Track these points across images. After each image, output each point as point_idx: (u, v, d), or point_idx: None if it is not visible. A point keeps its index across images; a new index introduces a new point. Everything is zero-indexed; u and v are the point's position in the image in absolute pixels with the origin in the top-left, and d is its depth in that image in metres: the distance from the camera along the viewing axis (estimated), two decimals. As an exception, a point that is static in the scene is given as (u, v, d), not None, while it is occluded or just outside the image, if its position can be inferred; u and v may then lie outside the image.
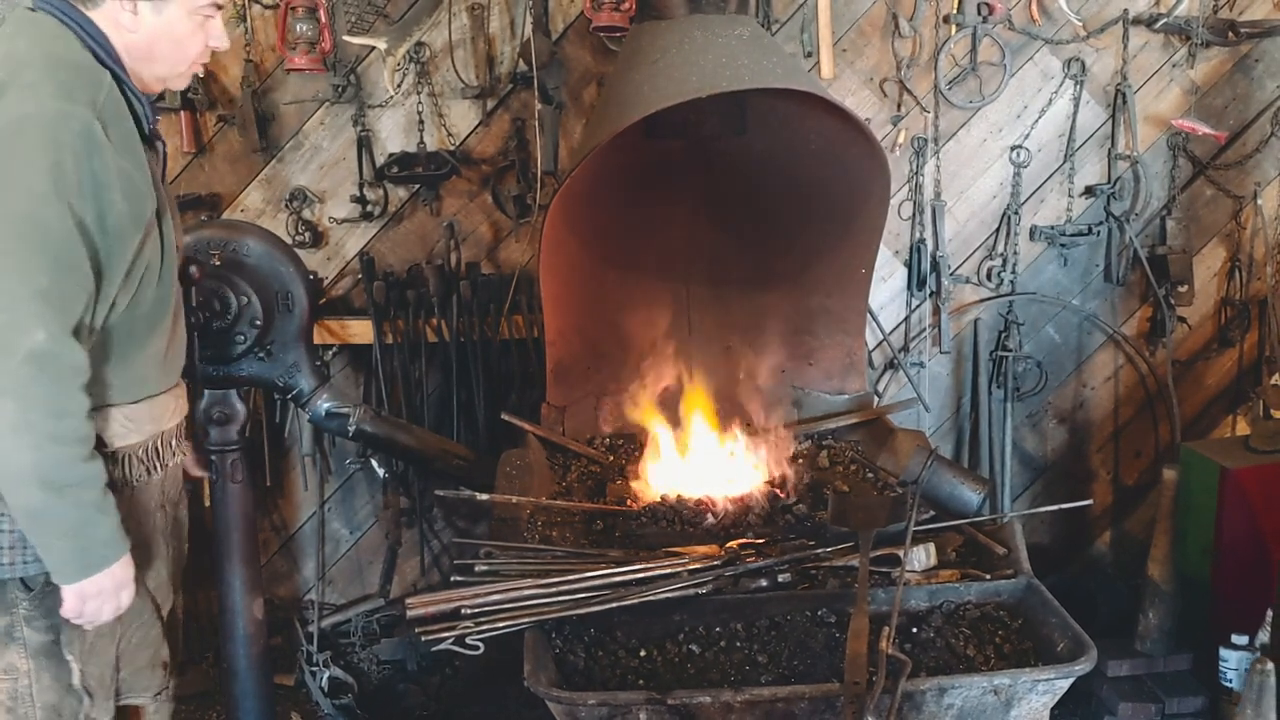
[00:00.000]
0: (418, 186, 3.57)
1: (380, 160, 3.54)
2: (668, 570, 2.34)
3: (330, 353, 3.60)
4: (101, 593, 2.00)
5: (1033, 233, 3.74)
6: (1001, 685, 2.05)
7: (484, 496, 2.69)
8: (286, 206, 3.56)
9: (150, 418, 2.18)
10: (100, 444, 2.03)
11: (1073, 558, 4.00)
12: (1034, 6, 3.57)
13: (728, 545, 2.47)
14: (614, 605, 2.24)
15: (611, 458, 3.17)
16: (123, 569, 2.03)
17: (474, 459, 3.18)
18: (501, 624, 2.18)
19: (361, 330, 3.51)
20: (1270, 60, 3.68)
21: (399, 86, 3.48)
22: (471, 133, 3.56)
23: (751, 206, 3.26)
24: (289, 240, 3.45)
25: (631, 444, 3.22)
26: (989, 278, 3.77)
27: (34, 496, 1.89)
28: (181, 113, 3.43)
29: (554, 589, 2.26)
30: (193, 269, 2.55)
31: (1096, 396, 3.92)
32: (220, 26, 2.15)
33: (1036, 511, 3.59)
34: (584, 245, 3.18)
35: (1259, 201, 3.76)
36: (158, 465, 2.22)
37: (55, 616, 2.05)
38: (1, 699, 2.07)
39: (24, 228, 1.84)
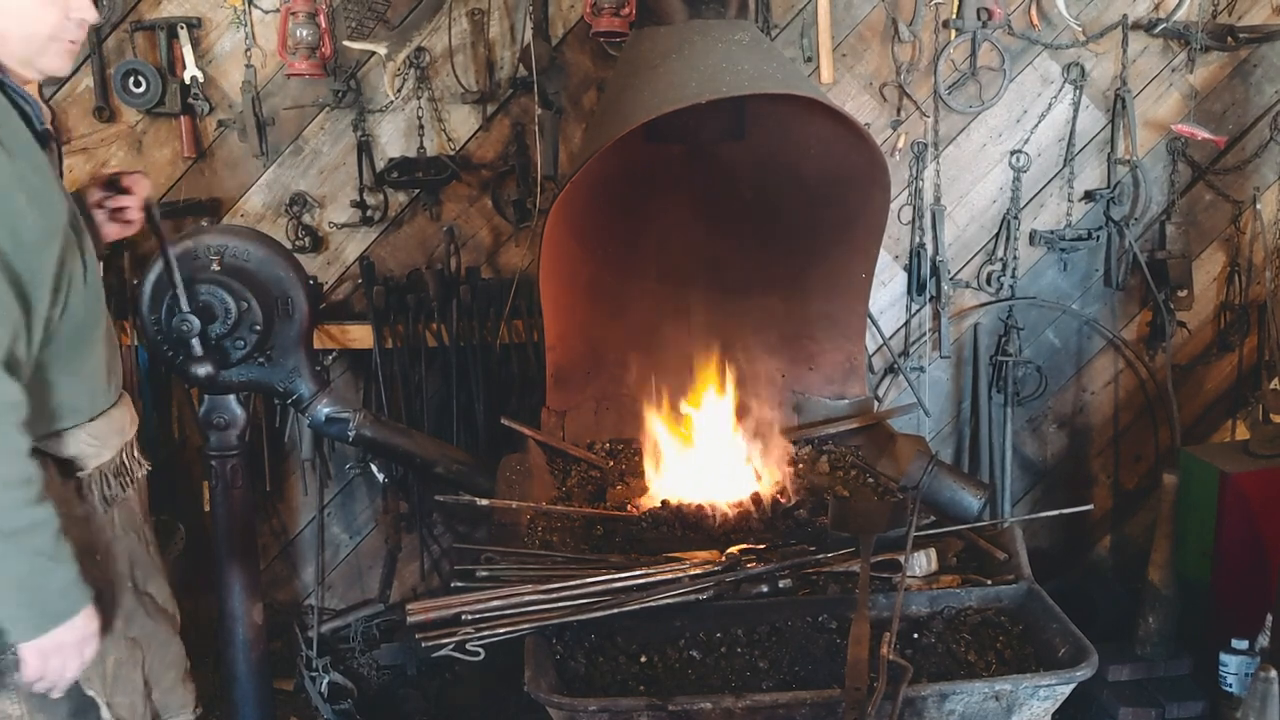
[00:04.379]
0: (418, 191, 3.57)
1: (380, 165, 3.54)
2: (668, 576, 2.34)
3: (330, 358, 3.59)
4: (62, 648, 1.85)
5: (1032, 237, 3.75)
6: (1003, 691, 2.05)
7: (484, 502, 2.69)
8: (286, 211, 3.56)
9: (114, 431, 2.11)
10: (75, 467, 1.98)
11: (1073, 562, 4.00)
12: (1033, 11, 3.57)
13: (728, 551, 2.46)
14: (615, 611, 2.23)
15: (611, 463, 3.17)
16: (85, 621, 1.88)
17: (474, 464, 3.18)
18: (502, 629, 2.18)
19: (361, 335, 3.51)
20: (1269, 65, 3.69)
21: (399, 91, 3.48)
22: (471, 137, 3.56)
23: (751, 211, 3.26)
24: (289, 245, 3.45)
25: (631, 449, 3.22)
26: (989, 282, 3.78)
27: None
28: (182, 118, 3.43)
29: (554, 594, 2.26)
30: None
31: (1096, 401, 3.92)
32: None
33: (1037, 516, 3.59)
34: (584, 250, 3.18)
35: (1258, 206, 3.76)
36: (129, 480, 2.17)
37: None
38: None
39: None
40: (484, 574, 2.36)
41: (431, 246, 3.62)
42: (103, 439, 2.06)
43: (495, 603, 2.22)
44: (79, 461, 1.99)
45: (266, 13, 3.41)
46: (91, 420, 2.03)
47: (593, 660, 2.22)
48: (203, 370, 2.67)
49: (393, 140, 3.55)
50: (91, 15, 1.97)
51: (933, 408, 3.84)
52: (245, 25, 3.41)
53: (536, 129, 3.41)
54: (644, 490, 2.90)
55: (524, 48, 3.39)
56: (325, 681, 3.55)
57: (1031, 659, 2.24)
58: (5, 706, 1.95)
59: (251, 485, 3.04)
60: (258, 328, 2.81)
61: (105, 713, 2.04)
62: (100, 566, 2.02)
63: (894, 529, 2.47)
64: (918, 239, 3.71)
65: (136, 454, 2.21)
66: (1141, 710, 3.24)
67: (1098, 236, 3.73)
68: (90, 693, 2.02)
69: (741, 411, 3.11)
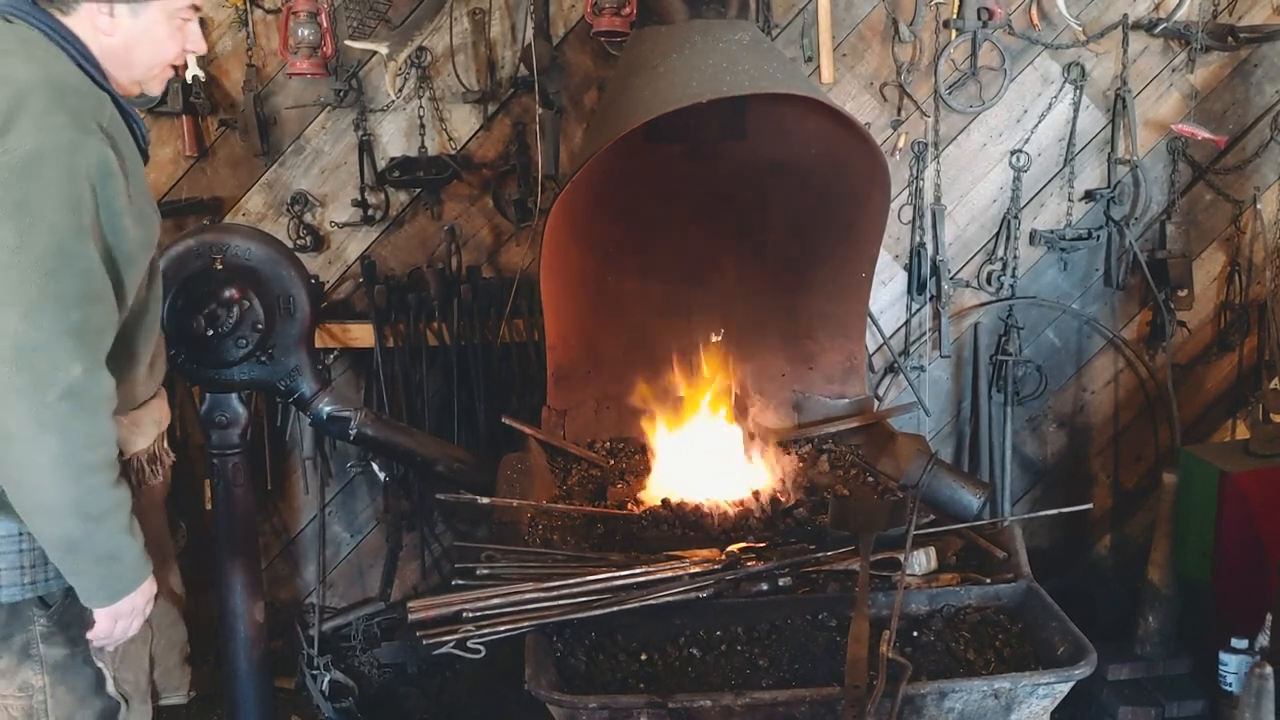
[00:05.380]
0: (419, 190, 3.58)
1: (381, 164, 3.54)
2: (669, 574, 2.34)
3: (331, 356, 3.60)
4: (133, 611, 2.05)
5: (1033, 237, 3.75)
6: (1001, 689, 2.06)
7: (485, 500, 2.69)
8: (288, 210, 3.57)
9: (152, 421, 2.22)
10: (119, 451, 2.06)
11: (1073, 561, 4.00)
12: (1034, 11, 3.58)
13: (728, 549, 2.47)
14: (615, 609, 2.24)
15: (612, 461, 3.17)
16: (148, 586, 2.07)
17: (475, 462, 3.19)
18: (502, 627, 2.18)
19: (362, 334, 3.52)
20: (1269, 65, 3.69)
21: (400, 91, 3.49)
22: (472, 137, 3.57)
23: (752, 211, 3.27)
24: (290, 244, 3.46)
25: (631, 448, 3.22)
26: (989, 282, 3.78)
27: (73, 527, 1.90)
28: (183, 117, 3.43)
29: (555, 592, 2.26)
30: None
31: (1096, 400, 3.92)
32: (197, 30, 2.12)
33: (1036, 515, 3.59)
34: (585, 249, 3.19)
35: (1258, 206, 3.77)
36: (159, 467, 2.26)
37: (73, 630, 2.07)
38: (16, 716, 2.09)
39: (53, 263, 1.82)
40: (484, 572, 2.36)
41: (432, 246, 3.63)
42: (142, 428, 2.18)
43: (496, 600, 2.23)
44: (121, 447, 2.07)
45: (268, 12, 3.42)
46: (135, 410, 2.16)
47: (593, 658, 2.23)
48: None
49: (394, 139, 3.55)
50: (202, 48, 2.14)
51: (933, 407, 3.84)
52: (247, 25, 3.41)
53: (537, 128, 3.42)
54: (647, 471, 2.93)
55: (525, 47, 3.40)
56: (326, 680, 3.56)
57: (1030, 657, 2.24)
58: (29, 677, 2.07)
59: (253, 483, 3.04)
60: (259, 326, 2.82)
61: (111, 686, 2.14)
62: None
63: (893, 527, 2.47)
64: (918, 238, 3.72)
65: (165, 443, 2.31)
66: (1141, 709, 3.25)
67: (1098, 236, 3.73)
68: (99, 664, 2.12)
69: (741, 410, 3.12)
